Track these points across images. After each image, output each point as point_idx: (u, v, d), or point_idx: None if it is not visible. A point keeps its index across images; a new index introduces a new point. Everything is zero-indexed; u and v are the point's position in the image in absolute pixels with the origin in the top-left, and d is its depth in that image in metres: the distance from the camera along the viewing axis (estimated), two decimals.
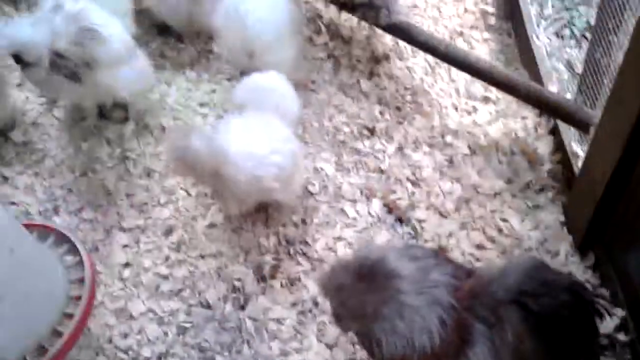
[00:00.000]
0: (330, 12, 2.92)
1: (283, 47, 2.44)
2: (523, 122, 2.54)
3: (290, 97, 2.23)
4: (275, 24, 2.38)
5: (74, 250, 1.96)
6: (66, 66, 2.10)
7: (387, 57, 2.78)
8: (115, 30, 2.23)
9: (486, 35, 2.89)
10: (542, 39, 2.67)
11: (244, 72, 2.61)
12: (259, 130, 2.08)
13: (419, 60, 2.77)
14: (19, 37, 2.02)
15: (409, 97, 2.66)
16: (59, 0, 2.14)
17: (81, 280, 1.90)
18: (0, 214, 1.65)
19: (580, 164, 2.18)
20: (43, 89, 2.38)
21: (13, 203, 2.37)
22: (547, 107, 2.27)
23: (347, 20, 2.88)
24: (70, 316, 1.83)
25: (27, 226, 1.89)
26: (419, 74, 2.75)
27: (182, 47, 2.90)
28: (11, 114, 2.53)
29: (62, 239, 1.99)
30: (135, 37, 2.49)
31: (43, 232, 2.00)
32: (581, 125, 2.18)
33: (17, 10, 2.91)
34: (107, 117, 2.55)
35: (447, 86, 2.71)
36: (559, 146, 2.40)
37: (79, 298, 1.87)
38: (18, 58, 2.04)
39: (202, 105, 2.67)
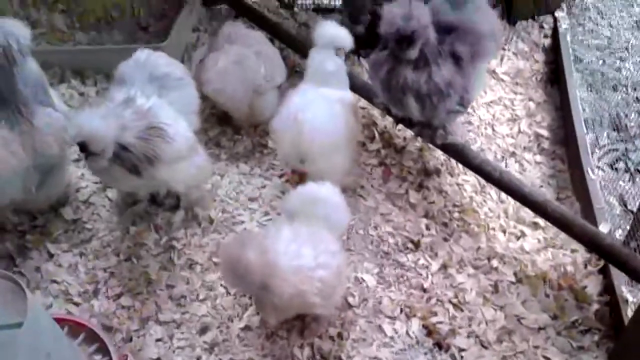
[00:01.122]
0: (386, 121, 2.97)
1: (336, 156, 2.47)
2: (573, 255, 2.49)
3: (342, 211, 2.23)
4: (331, 135, 2.42)
5: (105, 349, 1.94)
6: (129, 159, 2.15)
7: (437, 171, 2.79)
8: (180, 129, 2.29)
9: (539, 158, 2.89)
10: (596, 173, 2.65)
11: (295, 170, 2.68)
12: (307, 243, 2.08)
13: (470, 177, 2.77)
14: (88, 127, 2.08)
15: (456, 214, 2.65)
16: (130, 94, 2.22)
17: None
18: (42, 318, 1.65)
19: (629, 311, 2.11)
20: (101, 177, 2.44)
21: (55, 281, 2.39)
22: (599, 251, 2.23)
23: (402, 130, 2.92)
24: None
25: (60, 320, 1.89)
26: (469, 191, 2.74)
27: (239, 138, 2.97)
28: (65, 190, 2.59)
29: (93, 335, 1.98)
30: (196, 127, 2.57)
31: (75, 327, 1.99)
32: (633, 275, 2.12)
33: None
34: (158, 204, 2.60)
35: (496, 207, 2.69)
36: (609, 287, 2.33)
37: None
38: (84, 146, 2.10)
39: (251, 199, 2.70)
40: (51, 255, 2.46)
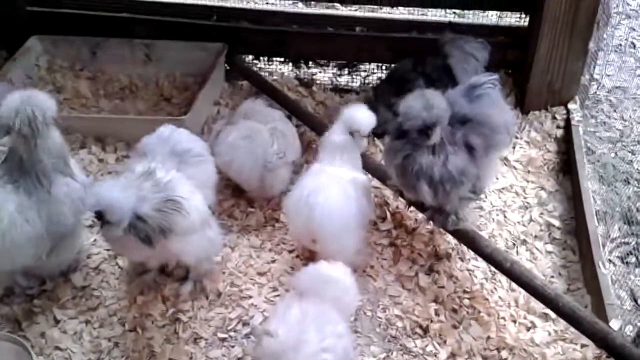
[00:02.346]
0: (398, 201, 2.99)
1: (346, 238, 2.49)
2: (583, 351, 2.44)
3: (352, 293, 2.23)
4: (342, 218, 2.44)
5: None
6: (144, 229, 2.18)
7: (448, 256, 2.79)
8: (196, 204, 2.33)
9: (550, 248, 2.89)
10: (607, 267, 2.64)
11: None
12: (315, 323, 2.07)
13: (481, 263, 2.76)
14: (108, 197, 2.12)
15: (466, 301, 2.62)
16: (150, 167, 2.27)
17: None
18: None
19: None
20: (113, 245, 2.46)
21: (58, 348, 2.37)
22: (610, 350, 2.19)
23: (413, 212, 2.94)
24: None
25: None
26: (479, 277, 2.73)
27: (251, 210, 2.99)
28: (76, 256, 2.61)
29: None
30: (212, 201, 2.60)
31: None
32: None
33: None
34: (167, 274, 2.60)
35: (506, 295, 2.66)
36: None
37: None
38: (101, 215, 2.14)
39: (260, 274, 2.69)
40: (57, 321, 2.45)
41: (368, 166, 2.83)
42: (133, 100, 3.61)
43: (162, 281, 2.60)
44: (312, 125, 3.30)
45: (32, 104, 2.23)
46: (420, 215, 2.91)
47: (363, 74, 3.91)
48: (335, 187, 2.48)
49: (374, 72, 3.86)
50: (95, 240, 2.76)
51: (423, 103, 2.31)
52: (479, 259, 2.76)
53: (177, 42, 3.70)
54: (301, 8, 3.96)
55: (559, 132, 3.40)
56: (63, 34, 3.77)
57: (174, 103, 3.61)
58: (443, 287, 2.67)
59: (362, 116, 2.59)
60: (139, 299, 2.53)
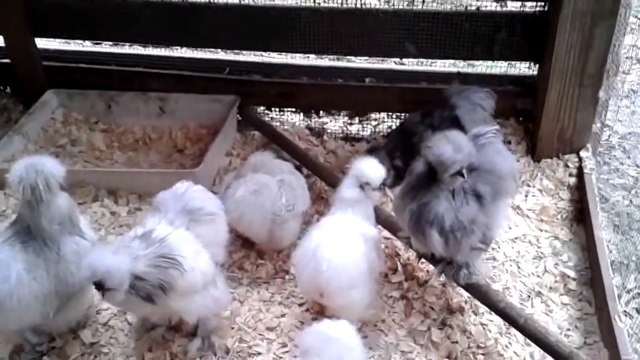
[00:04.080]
0: (409, 252, 2.96)
1: (355, 292, 2.46)
2: None
3: (357, 352, 2.17)
4: (350, 273, 2.42)
5: None
6: (144, 288, 2.18)
7: (461, 309, 2.74)
8: (199, 264, 2.32)
9: (565, 299, 2.82)
10: (623, 320, 2.57)
11: None
12: None
13: (495, 317, 2.69)
14: (102, 265, 2.12)
15: (480, 357, 2.56)
16: (149, 228, 2.29)
17: None
18: None
19: None
20: (118, 306, 2.46)
21: None
22: None
23: (425, 264, 2.91)
24: None
25: None
26: (494, 332, 2.66)
27: (261, 263, 2.98)
28: (86, 312, 2.60)
29: None
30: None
31: None
32: None
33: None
34: (176, 330, 2.58)
35: (522, 350, 2.59)
36: None
37: None
38: (100, 285, 2.14)
39: (269, 329, 2.66)
40: None
41: (378, 217, 2.81)
42: (147, 152, 3.67)
43: (170, 337, 2.58)
44: (322, 176, 3.31)
45: (36, 171, 2.25)
46: (431, 267, 2.88)
47: (374, 122, 3.94)
48: (343, 241, 2.47)
49: (384, 121, 3.89)
50: None
51: (452, 146, 2.33)
52: (493, 313, 2.71)
53: (190, 95, 3.77)
54: (311, 60, 4.02)
55: (572, 180, 3.36)
56: (78, 88, 3.86)
57: (187, 154, 3.66)
58: (456, 342, 2.61)
59: (372, 169, 2.59)
60: (147, 356, 2.51)
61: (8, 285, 2.17)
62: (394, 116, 3.85)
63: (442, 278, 2.74)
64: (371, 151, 3.28)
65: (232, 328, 2.65)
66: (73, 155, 3.57)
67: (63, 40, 4.26)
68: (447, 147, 2.33)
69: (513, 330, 2.66)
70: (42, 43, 3.99)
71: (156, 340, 2.56)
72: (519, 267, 2.97)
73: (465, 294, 2.78)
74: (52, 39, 4.15)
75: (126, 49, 4.25)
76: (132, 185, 3.29)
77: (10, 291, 2.18)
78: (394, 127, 3.77)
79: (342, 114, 3.99)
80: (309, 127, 3.93)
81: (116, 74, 3.96)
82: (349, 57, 4.14)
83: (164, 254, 2.23)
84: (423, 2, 3.50)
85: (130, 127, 3.80)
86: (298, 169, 3.24)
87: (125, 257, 2.16)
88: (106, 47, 4.33)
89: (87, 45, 4.40)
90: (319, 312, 2.69)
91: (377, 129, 3.91)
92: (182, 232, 2.34)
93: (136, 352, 2.53)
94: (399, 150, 3.18)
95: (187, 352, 2.52)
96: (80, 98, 3.84)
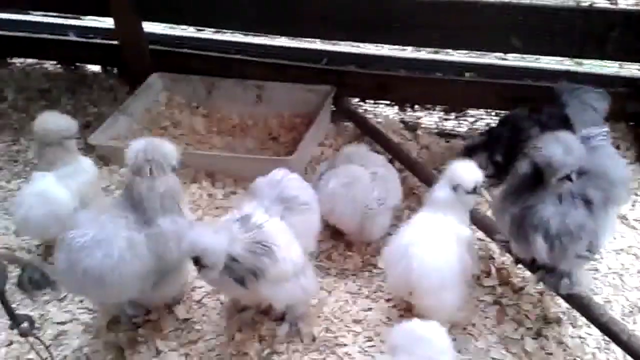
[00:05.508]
0: (504, 256, 2.86)
1: (445, 293, 2.39)
2: None
3: (447, 354, 2.11)
4: (441, 272, 2.36)
5: None
6: (237, 270, 2.22)
7: (558, 321, 2.60)
8: (290, 254, 2.34)
9: None
10: None
11: None
12: None
13: (594, 331, 2.55)
14: (200, 243, 2.17)
15: None
16: (248, 214, 2.33)
17: None
18: None
19: None
20: (212, 284, 2.51)
21: None
22: None
23: (521, 269, 2.79)
24: None
25: None
26: (592, 346, 2.52)
27: (349, 254, 2.97)
28: (182, 289, 2.69)
29: None
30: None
31: None
32: None
33: None
34: (265, 313, 2.62)
35: None
36: None
37: None
38: (197, 261, 2.20)
39: (355, 321, 2.64)
40: (158, 352, 2.52)
41: (474, 217, 2.72)
42: (243, 138, 3.74)
43: (259, 320, 2.62)
44: (414, 171, 3.25)
45: (154, 150, 2.37)
46: (528, 273, 2.76)
47: (470, 119, 3.83)
48: (435, 239, 2.41)
49: (482, 118, 3.77)
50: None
51: (563, 148, 2.22)
52: (592, 326, 2.56)
53: (286, 84, 3.81)
54: (408, 52, 3.95)
55: None
56: (180, 72, 3.99)
57: (281, 142, 3.70)
58: (551, 353, 2.49)
59: (465, 171, 2.50)
60: (237, 336, 2.56)
61: (111, 261, 2.25)
62: (493, 113, 3.72)
63: (540, 286, 2.62)
64: (469, 150, 3.16)
65: (319, 317, 2.65)
66: (174, 137, 3.68)
67: (168, 25, 4.41)
68: (557, 148, 2.21)
69: (612, 346, 2.50)
70: (148, 27, 4.13)
71: (246, 322, 2.61)
72: (622, 280, 2.79)
73: (564, 305, 2.64)
74: (158, 23, 4.30)
75: (227, 36, 4.34)
76: (229, 169, 3.36)
77: (113, 267, 2.25)
78: (492, 125, 3.64)
79: (437, 108, 3.91)
80: (402, 121, 3.87)
81: (216, 60, 4.06)
82: (447, 50, 4.03)
83: (260, 241, 2.26)
84: None
85: (228, 113, 3.89)
86: (391, 162, 3.20)
87: (224, 237, 2.21)
88: (208, 34, 4.43)
89: (190, 31, 4.52)
90: (407, 309, 2.65)
91: (474, 126, 3.79)
92: (278, 221, 2.37)
93: (226, 332, 2.58)
94: (500, 145, 3.06)
95: (275, 336, 2.55)
96: (183, 82, 3.96)
